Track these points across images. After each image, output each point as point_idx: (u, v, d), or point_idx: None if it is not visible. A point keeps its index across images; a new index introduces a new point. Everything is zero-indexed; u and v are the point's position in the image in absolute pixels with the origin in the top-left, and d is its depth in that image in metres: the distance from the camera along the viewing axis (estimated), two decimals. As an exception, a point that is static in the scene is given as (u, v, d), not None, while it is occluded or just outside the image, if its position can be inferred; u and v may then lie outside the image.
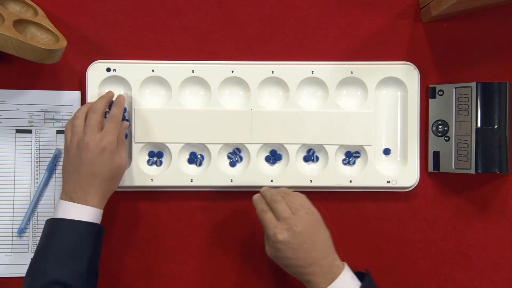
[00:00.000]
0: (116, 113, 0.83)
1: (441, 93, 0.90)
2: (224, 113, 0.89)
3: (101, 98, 0.85)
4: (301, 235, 0.76)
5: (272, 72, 0.89)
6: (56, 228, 0.78)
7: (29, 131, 0.90)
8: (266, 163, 0.91)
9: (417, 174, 0.90)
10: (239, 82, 0.90)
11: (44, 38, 0.85)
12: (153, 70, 0.89)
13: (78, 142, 0.80)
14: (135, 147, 0.89)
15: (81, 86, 0.90)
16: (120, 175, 0.83)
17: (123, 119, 0.87)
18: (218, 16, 0.91)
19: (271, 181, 0.89)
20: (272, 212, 0.79)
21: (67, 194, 0.79)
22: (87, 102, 0.88)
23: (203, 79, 0.89)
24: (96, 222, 0.79)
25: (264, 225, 0.79)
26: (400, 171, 0.90)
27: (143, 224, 0.91)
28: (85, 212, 0.78)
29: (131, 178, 0.88)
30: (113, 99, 0.87)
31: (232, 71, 0.89)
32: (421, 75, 0.90)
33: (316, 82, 0.90)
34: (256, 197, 0.81)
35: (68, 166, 0.81)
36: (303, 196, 0.81)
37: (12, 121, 0.90)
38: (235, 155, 0.91)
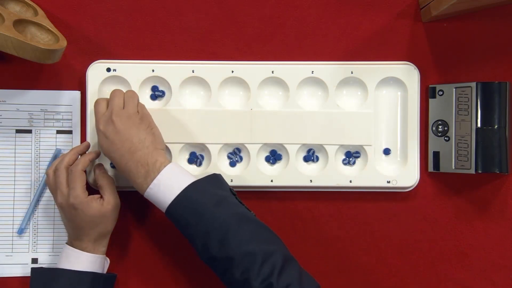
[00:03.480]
0: (72, 168, 0.81)
1: (441, 93, 0.90)
2: (224, 113, 0.89)
3: (73, 149, 0.85)
4: (116, 125, 0.79)
5: (272, 72, 0.89)
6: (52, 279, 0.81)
7: (29, 131, 0.90)
8: (266, 163, 0.91)
9: (417, 174, 0.90)
10: (239, 82, 0.90)
11: (44, 38, 0.85)
12: (153, 70, 0.89)
13: (55, 201, 0.83)
14: (135, 147, 0.89)
15: (81, 86, 0.90)
16: (106, 217, 0.82)
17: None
18: (218, 16, 0.91)
19: (271, 181, 0.89)
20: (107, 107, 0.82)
21: (69, 240, 0.84)
22: (87, 102, 0.88)
23: (203, 79, 0.89)
24: (92, 269, 0.81)
25: (95, 118, 0.82)
26: (400, 171, 0.90)
27: (143, 224, 0.91)
28: (82, 259, 0.81)
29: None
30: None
31: (232, 71, 0.89)
32: (421, 75, 0.90)
33: (316, 82, 0.90)
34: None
35: (62, 218, 0.85)
36: (142, 104, 0.84)
37: (12, 121, 0.90)
38: (235, 155, 0.91)
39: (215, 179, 0.80)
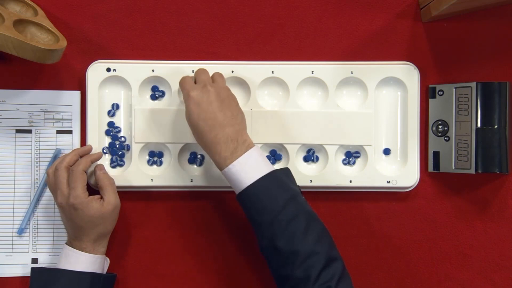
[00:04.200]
0: (73, 169, 0.82)
1: (441, 93, 0.90)
2: (224, 113, 0.89)
3: (74, 150, 0.85)
4: (210, 94, 0.78)
5: (272, 72, 0.89)
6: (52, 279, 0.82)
7: (29, 131, 0.90)
8: (266, 163, 0.91)
9: (417, 174, 0.90)
10: (239, 82, 0.90)
11: (44, 38, 0.85)
12: (153, 70, 0.89)
13: (55, 201, 0.83)
14: (135, 147, 0.89)
15: (81, 86, 0.90)
16: (106, 218, 0.82)
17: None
18: (218, 16, 0.91)
19: (271, 181, 0.89)
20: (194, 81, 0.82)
21: (68, 240, 0.84)
22: (87, 102, 0.88)
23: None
24: (91, 270, 0.81)
25: (181, 88, 0.81)
26: (400, 171, 0.90)
27: (143, 224, 0.91)
28: (81, 259, 0.81)
29: (131, 178, 0.88)
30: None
31: (232, 71, 0.89)
32: (421, 75, 0.90)
33: (316, 82, 0.90)
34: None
35: (62, 217, 0.85)
36: (217, 76, 0.84)
37: (12, 121, 0.90)
38: (235, 155, 0.91)
39: (289, 173, 0.80)
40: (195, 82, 0.82)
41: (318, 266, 0.73)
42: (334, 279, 0.72)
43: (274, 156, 0.91)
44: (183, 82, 0.82)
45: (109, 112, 0.90)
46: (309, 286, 0.72)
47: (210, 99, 0.78)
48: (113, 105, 0.90)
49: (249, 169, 0.76)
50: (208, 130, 0.77)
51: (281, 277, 0.76)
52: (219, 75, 0.84)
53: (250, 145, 0.78)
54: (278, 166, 0.91)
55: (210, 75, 0.84)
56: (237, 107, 0.81)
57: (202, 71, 0.84)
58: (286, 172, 0.79)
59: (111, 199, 0.82)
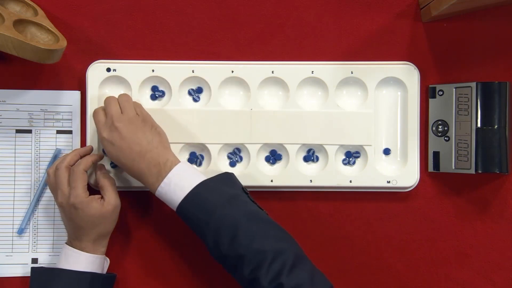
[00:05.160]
0: (74, 168, 0.82)
1: (441, 93, 0.90)
2: (224, 113, 0.89)
3: (75, 150, 0.85)
4: (120, 131, 0.79)
5: (272, 72, 0.89)
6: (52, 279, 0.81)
7: (29, 131, 0.90)
8: (266, 163, 0.91)
9: (417, 174, 0.90)
10: (239, 82, 0.90)
11: (44, 38, 0.85)
12: (153, 70, 0.89)
13: (55, 200, 0.83)
14: (135, 147, 0.89)
15: (81, 86, 0.90)
16: (106, 218, 0.82)
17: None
18: (218, 16, 0.91)
19: (271, 181, 0.89)
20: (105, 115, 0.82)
21: (68, 240, 0.84)
22: (87, 102, 0.88)
23: (203, 79, 0.89)
24: (91, 270, 0.81)
25: (96, 128, 0.82)
26: (400, 171, 0.90)
27: (143, 224, 0.91)
28: (81, 259, 0.81)
29: (131, 178, 0.88)
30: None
31: (232, 71, 0.89)
32: (421, 75, 0.90)
33: (316, 82, 0.90)
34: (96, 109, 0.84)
35: (62, 217, 0.85)
36: (138, 104, 0.84)
37: (12, 121, 0.90)
38: (235, 155, 0.91)
39: (227, 178, 0.80)
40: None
41: (265, 263, 0.72)
42: (284, 272, 0.71)
43: (274, 156, 0.91)
44: (94, 119, 0.83)
45: None
46: (261, 285, 0.71)
47: (121, 135, 0.79)
48: None
49: (176, 187, 0.77)
50: (130, 164, 0.79)
51: (238, 281, 0.76)
52: (126, 100, 0.83)
53: (173, 163, 0.79)
54: (278, 166, 0.91)
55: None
56: (151, 130, 0.81)
57: (109, 101, 0.82)
58: (221, 177, 0.80)
59: (112, 199, 0.82)
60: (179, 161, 0.79)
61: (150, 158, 0.79)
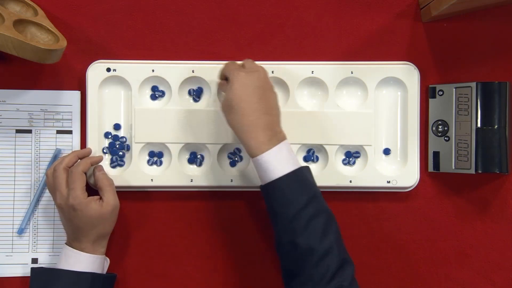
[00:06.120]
0: (73, 169, 0.82)
1: (441, 93, 0.90)
2: (224, 113, 0.89)
3: (73, 152, 0.85)
4: (260, 80, 0.79)
5: (272, 72, 0.89)
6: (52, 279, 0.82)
7: (29, 131, 0.90)
8: (266, 163, 0.91)
9: (417, 174, 0.90)
10: (239, 82, 0.90)
11: (44, 38, 0.85)
12: (153, 70, 0.89)
13: (54, 202, 0.83)
14: (135, 147, 0.89)
15: (81, 86, 0.90)
16: (105, 219, 0.82)
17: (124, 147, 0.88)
18: (218, 16, 0.91)
19: (271, 181, 0.89)
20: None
21: (68, 240, 0.84)
22: (87, 102, 0.88)
23: (203, 79, 0.89)
24: (91, 270, 0.81)
25: (228, 69, 0.81)
26: (400, 171, 0.90)
27: (143, 224, 0.91)
28: (81, 259, 0.81)
29: (131, 178, 0.88)
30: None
31: (232, 71, 0.89)
32: (421, 75, 0.90)
33: (316, 82, 0.90)
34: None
35: (61, 218, 0.85)
36: (260, 67, 0.82)
37: (12, 121, 0.90)
38: (235, 155, 0.91)
39: (311, 172, 0.80)
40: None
41: (334, 266, 0.73)
42: (347, 280, 0.73)
43: (274, 156, 0.91)
44: (230, 64, 0.82)
45: (106, 134, 0.90)
46: (321, 284, 0.72)
47: (258, 83, 0.78)
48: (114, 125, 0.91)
49: (280, 161, 0.76)
50: (248, 113, 0.77)
51: (292, 273, 0.76)
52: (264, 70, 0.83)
53: (284, 137, 0.78)
54: (278, 166, 0.91)
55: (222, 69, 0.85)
56: (276, 99, 0.81)
57: (251, 61, 0.83)
58: (309, 170, 0.80)
59: (110, 200, 0.82)
60: (286, 138, 0.79)
61: (269, 120, 0.77)
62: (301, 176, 0.77)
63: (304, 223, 0.74)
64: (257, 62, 0.89)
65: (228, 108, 0.79)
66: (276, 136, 0.77)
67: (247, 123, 0.77)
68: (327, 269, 0.73)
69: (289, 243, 0.75)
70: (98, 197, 0.83)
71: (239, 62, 0.83)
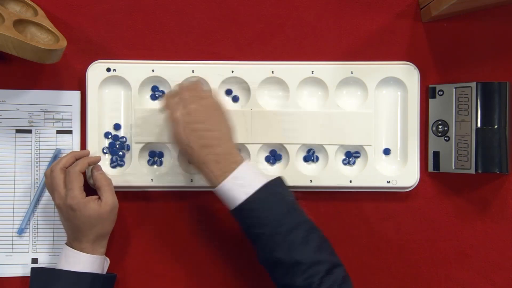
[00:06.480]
0: (70, 170, 0.81)
1: (441, 93, 0.90)
2: (224, 113, 0.89)
3: (71, 152, 0.85)
4: (193, 114, 0.76)
5: (272, 72, 0.89)
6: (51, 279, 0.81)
7: (29, 131, 0.90)
8: (266, 163, 0.91)
9: (417, 174, 0.90)
10: (239, 82, 0.90)
11: (44, 38, 0.85)
12: (153, 70, 0.89)
13: (53, 202, 0.83)
14: (135, 147, 0.89)
15: (81, 86, 0.90)
16: (104, 218, 0.82)
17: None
18: (218, 16, 0.91)
19: (271, 181, 0.89)
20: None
21: (68, 241, 0.84)
22: (87, 102, 0.88)
23: (203, 79, 0.89)
24: (91, 270, 0.81)
25: (165, 110, 0.79)
26: (400, 171, 0.90)
27: (143, 224, 0.91)
28: (81, 259, 0.81)
29: (131, 178, 0.88)
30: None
31: (232, 71, 0.89)
32: (421, 75, 0.90)
33: (316, 82, 0.90)
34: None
35: (60, 218, 0.85)
36: (210, 92, 0.81)
37: (12, 121, 0.90)
38: (235, 155, 0.91)
39: (283, 182, 0.79)
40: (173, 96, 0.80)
41: (320, 273, 0.72)
42: (336, 284, 0.73)
43: (274, 156, 0.91)
44: (166, 99, 0.80)
45: (106, 134, 0.90)
46: None
47: (200, 115, 0.77)
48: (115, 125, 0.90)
49: (242, 184, 0.75)
50: (198, 151, 0.76)
51: (284, 286, 0.75)
52: (196, 81, 0.82)
53: (240, 161, 0.77)
54: (278, 166, 0.91)
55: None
56: (226, 122, 0.79)
57: (185, 85, 0.81)
58: (279, 181, 0.78)
59: (109, 200, 0.82)
60: (244, 159, 0.77)
61: (220, 150, 0.76)
62: (270, 191, 0.76)
63: (283, 238, 0.74)
64: (257, 62, 0.90)
65: (177, 144, 0.79)
66: (231, 165, 0.76)
67: (197, 160, 0.77)
68: (313, 278, 0.72)
69: (271, 259, 0.75)
70: (96, 196, 0.83)
71: (185, 83, 0.81)
